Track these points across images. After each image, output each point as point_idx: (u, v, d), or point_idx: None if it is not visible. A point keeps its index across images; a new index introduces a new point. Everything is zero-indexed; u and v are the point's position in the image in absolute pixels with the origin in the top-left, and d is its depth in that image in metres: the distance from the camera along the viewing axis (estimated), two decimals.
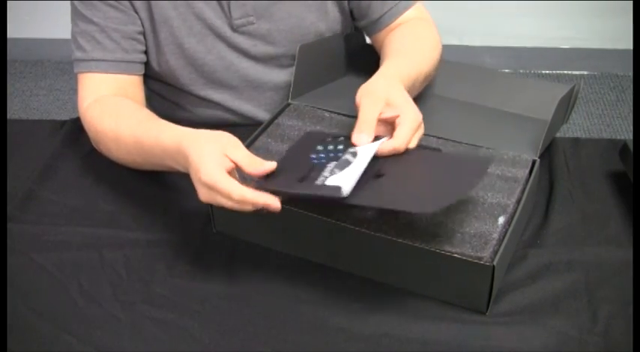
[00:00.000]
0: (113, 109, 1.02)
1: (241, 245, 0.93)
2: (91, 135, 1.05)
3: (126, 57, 1.06)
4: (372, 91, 0.90)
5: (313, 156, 0.87)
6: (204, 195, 0.82)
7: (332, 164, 0.84)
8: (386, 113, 0.87)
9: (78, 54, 1.06)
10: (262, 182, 0.82)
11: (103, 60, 1.05)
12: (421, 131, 0.89)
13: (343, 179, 0.79)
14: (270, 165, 0.83)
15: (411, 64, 1.00)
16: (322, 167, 0.84)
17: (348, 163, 0.83)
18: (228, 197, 0.80)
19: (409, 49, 1.05)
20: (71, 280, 0.89)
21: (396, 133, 0.85)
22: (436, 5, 1.26)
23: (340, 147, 0.87)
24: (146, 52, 1.10)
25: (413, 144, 0.87)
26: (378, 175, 0.82)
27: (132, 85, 1.08)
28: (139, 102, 1.08)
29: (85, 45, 1.05)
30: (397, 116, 0.86)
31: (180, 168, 0.88)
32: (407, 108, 0.87)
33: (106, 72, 1.05)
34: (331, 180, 0.80)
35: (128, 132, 0.97)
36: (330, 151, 0.87)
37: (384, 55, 1.06)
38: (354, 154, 0.84)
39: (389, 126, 0.88)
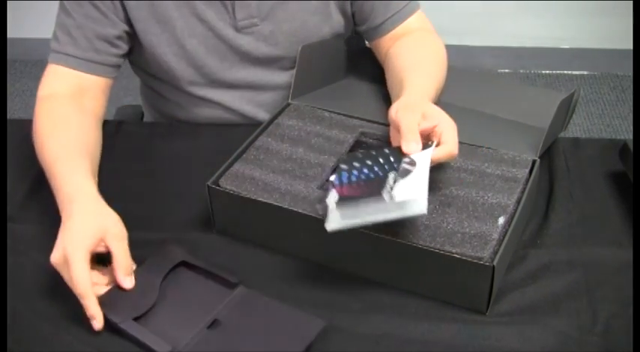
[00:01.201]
0: (58, 119, 1.02)
1: (241, 245, 0.93)
2: (33, 127, 1.04)
3: (96, 57, 1.06)
4: (408, 104, 0.91)
5: (366, 171, 0.85)
6: (54, 258, 0.84)
7: (392, 174, 0.83)
8: (423, 124, 0.87)
9: (53, 44, 1.08)
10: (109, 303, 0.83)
11: (74, 56, 1.06)
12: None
13: (412, 188, 0.79)
14: (130, 281, 0.85)
15: (431, 82, 1.01)
16: (383, 179, 0.82)
17: (408, 172, 0.82)
18: (74, 284, 0.81)
19: (427, 66, 1.06)
20: None
21: (443, 139, 0.86)
22: (436, 5, 1.26)
23: (391, 159, 0.86)
24: (130, 54, 1.11)
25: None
26: (213, 324, 0.82)
27: (96, 86, 1.08)
28: (98, 106, 1.08)
29: (62, 37, 1.06)
30: (435, 126, 0.87)
31: (64, 215, 0.89)
32: (444, 116, 0.89)
33: (74, 68, 1.06)
34: (399, 190, 0.79)
35: (51, 149, 0.97)
36: (384, 163, 0.85)
37: (398, 69, 1.05)
38: (412, 163, 0.83)
39: (424, 139, 0.88)
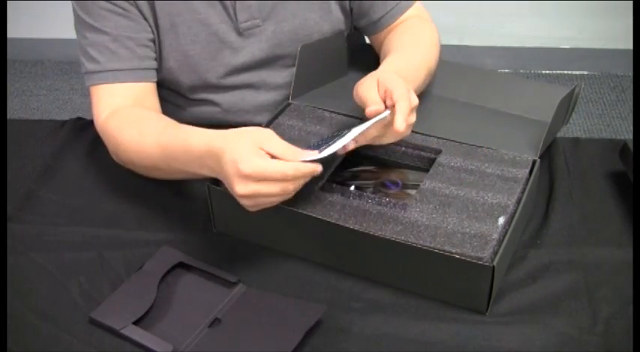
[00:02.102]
0: (133, 120, 1.00)
1: (241, 245, 0.93)
2: (111, 147, 1.03)
3: (141, 64, 1.05)
4: (364, 80, 0.92)
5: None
6: (244, 189, 0.79)
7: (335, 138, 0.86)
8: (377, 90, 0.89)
9: (90, 66, 1.03)
10: None
11: (120, 69, 1.03)
12: (413, 115, 0.89)
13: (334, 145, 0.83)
14: (311, 153, 0.82)
15: (406, 58, 1.01)
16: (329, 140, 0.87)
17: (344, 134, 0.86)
18: (284, 177, 0.78)
19: (406, 46, 1.06)
20: (71, 280, 0.89)
21: (394, 97, 0.86)
22: (436, 5, 1.26)
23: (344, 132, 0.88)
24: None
25: (412, 119, 0.88)
26: (214, 323, 0.82)
27: (148, 92, 1.06)
28: (156, 110, 1.06)
29: (98, 56, 1.03)
30: (387, 89, 0.87)
31: (208, 172, 0.86)
32: (396, 82, 0.88)
33: (123, 81, 1.03)
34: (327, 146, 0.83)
35: (151, 141, 0.94)
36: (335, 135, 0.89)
37: (383, 56, 1.06)
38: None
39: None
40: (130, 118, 1.00)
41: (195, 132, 0.88)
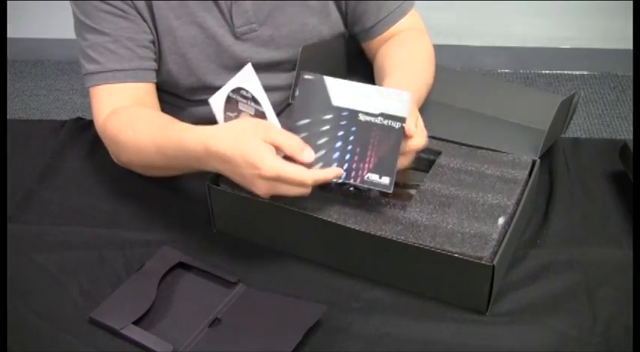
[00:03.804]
0: (132, 118, 0.99)
1: (241, 245, 0.93)
2: (111, 148, 1.03)
3: (142, 65, 1.04)
4: None
5: None
6: (265, 189, 0.82)
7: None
8: None
9: (90, 67, 1.03)
10: None
11: (120, 70, 1.03)
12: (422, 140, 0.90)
13: None
14: (309, 154, 0.84)
15: (408, 78, 1.01)
16: None
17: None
18: (301, 184, 0.81)
19: (407, 65, 1.05)
20: (71, 280, 0.89)
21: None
22: (437, 5, 1.26)
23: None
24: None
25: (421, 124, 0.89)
26: (214, 322, 0.82)
27: (148, 93, 1.06)
28: (156, 109, 1.06)
29: (98, 57, 1.02)
30: None
31: (212, 170, 0.87)
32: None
33: (123, 81, 1.03)
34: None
35: (148, 139, 0.94)
36: None
37: (382, 70, 1.06)
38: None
39: None
40: (128, 118, 1.00)
41: (187, 132, 0.89)
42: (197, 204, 0.97)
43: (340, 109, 0.87)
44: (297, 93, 0.90)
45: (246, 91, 0.87)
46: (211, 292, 0.85)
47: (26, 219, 0.99)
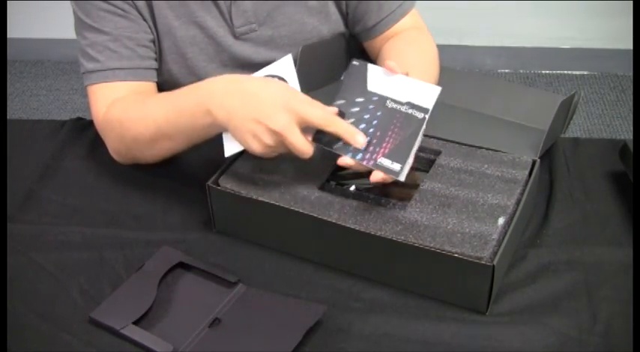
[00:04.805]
0: (138, 99, 1.00)
1: (241, 245, 0.93)
2: (113, 136, 1.02)
3: (142, 64, 1.04)
4: None
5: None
6: (284, 120, 0.84)
7: None
8: None
9: (90, 65, 1.03)
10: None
11: (120, 68, 1.02)
12: None
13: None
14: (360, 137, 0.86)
15: (425, 79, 1.00)
16: None
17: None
18: (300, 152, 0.85)
19: (415, 67, 1.04)
20: (71, 280, 0.89)
21: None
22: (437, 5, 1.26)
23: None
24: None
25: None
26: (214, 322, 0.82)
27: (148, 91, 1.06)
28: None
29: (98, 56, 1.02)
30: None
31: (223, 115, 0.87)
32: None
33: (123, 80, 1.03)
34: None
35: (161, 98, 0.97)
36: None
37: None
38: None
39: None
40: (135, 99, 1.01)
41: (200, 83, 0.93)
42: (197, 204, 0.97)
43: (372, 94, 0.89)
44: (342, 77, 0.93)
45: (282, 80, 0.91)
46: (211, 292, 0.85)
47: (26, 219, 0.99)
